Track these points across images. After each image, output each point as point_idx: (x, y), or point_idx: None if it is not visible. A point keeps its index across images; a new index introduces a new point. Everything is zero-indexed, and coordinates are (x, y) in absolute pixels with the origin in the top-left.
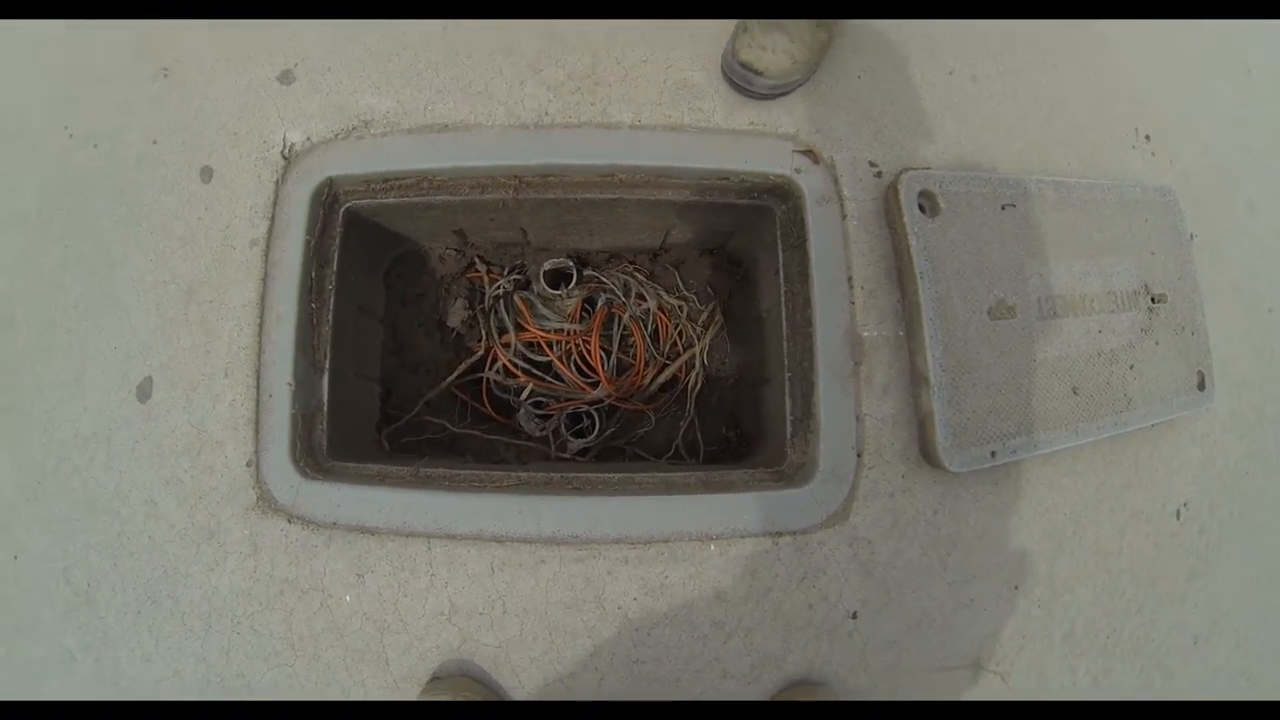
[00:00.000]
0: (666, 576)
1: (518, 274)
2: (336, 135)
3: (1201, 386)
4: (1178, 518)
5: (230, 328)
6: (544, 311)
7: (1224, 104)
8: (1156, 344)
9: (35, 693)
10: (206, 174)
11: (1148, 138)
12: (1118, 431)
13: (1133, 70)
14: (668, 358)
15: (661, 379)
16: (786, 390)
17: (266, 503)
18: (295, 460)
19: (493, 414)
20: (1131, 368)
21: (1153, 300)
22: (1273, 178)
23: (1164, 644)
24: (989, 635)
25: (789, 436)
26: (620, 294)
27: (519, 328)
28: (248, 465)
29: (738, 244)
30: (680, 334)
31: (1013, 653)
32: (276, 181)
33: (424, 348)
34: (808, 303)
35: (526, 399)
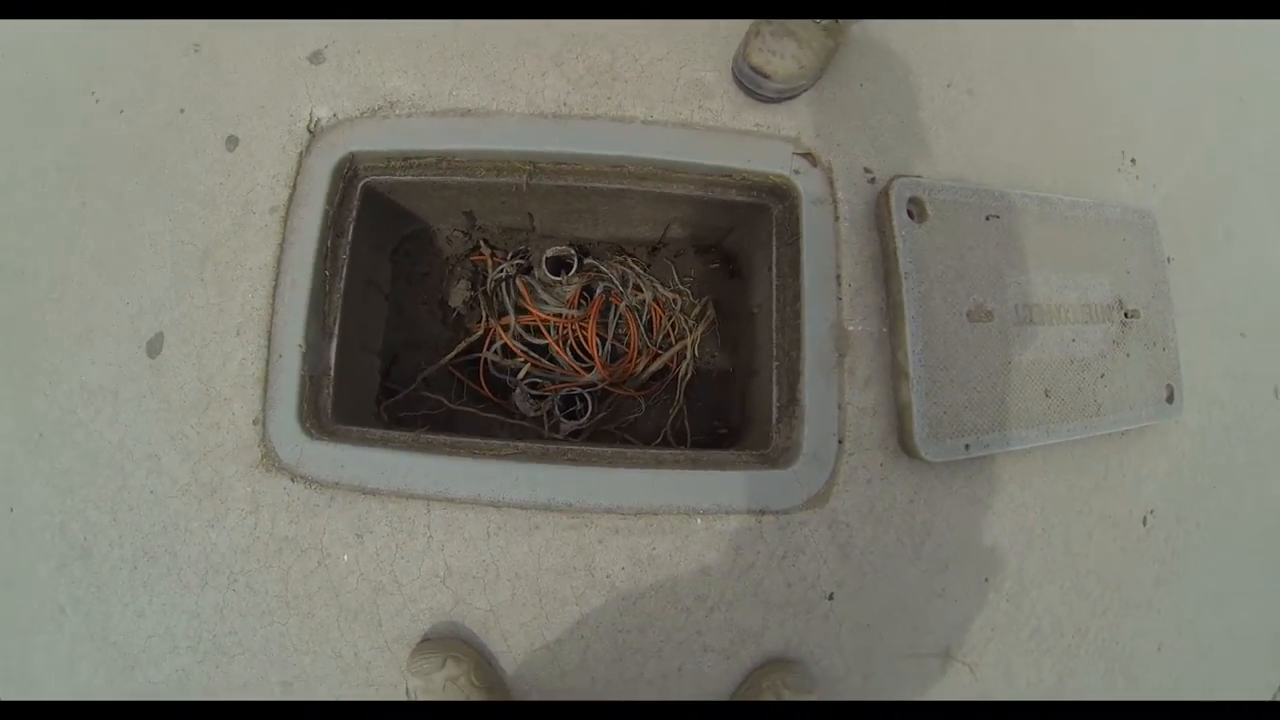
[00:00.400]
0: (654, 548)
1: (521, 259)
2: (362, 114)
3: (1170, 400)
4: (1144, 524)
5: (245, 289)
6: (544, 296)
7: (1212, 133)
8: (1128, 356)
9: (23, 647)
10: (232, 143)
11: (1133, 161)
12: (1088, 434)
13: (1124, 94)
14: (660, 347)
15: (654, 368)
16: (774, 378)
17: (270, 461)
18: (301, 420)
19: (489, 394)
20: (1102, 376)
21: (1126, 315)
22: (1253, 208)
23: (1129, 647)
24: (959, 625)
25: (775, 422)
26: (618, 284)
27: (519, 310)
28: (254, 423)
29: (734, 241)
30: (673, 326)
31: (981, 644)
32: (300, 153)
33: (425, 326)
34: (798, 296)
35: (523, 379)
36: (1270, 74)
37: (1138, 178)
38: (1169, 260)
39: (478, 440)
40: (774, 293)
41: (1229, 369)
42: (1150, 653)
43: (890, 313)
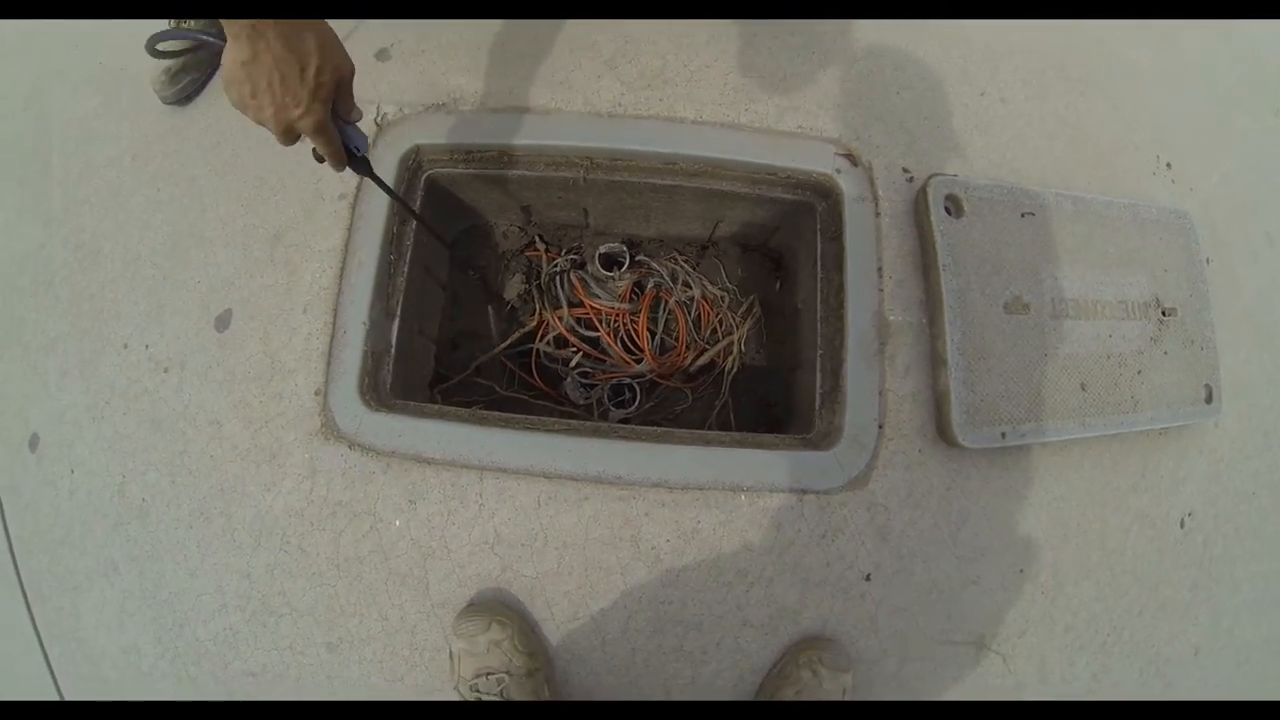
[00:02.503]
0: (699, 522)
1: (574, 254)
2: (426, 109)
3: (1209, 400)
4: (1182, 526)
5: (313, 269)
6: (596, 291)
7: (1250, 140)
8: (1165, 354)
9: (74, 604)
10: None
11: (1169, 165)
12: (1124, 430)
13: (1159, 101)
14: (708, 342)
15: (701, 361)
16: (818, 366)
17: (330, 429)
18: (362, 393)
19: (539, 383)
20: (1139, 372)
21: (1163, 313)
22: None
23: (1164, 651)
24: (993, 615)
25: (818, 407)
26: (668, 280)
27: (572, 303)
28: (316, 394)
29: (779, 240)
30: (720, 321)
31: (1015, 635)
32: (369, 145)
33: (481, 316)
34: (841, 288)
35: (574, 368)
36: None
37: (1173, 181)
38: (1207, 261)
39: (531, 417)
40: (818, 285)
41: (1269, 374)
42: (1187, 657)
43: (929, 304)
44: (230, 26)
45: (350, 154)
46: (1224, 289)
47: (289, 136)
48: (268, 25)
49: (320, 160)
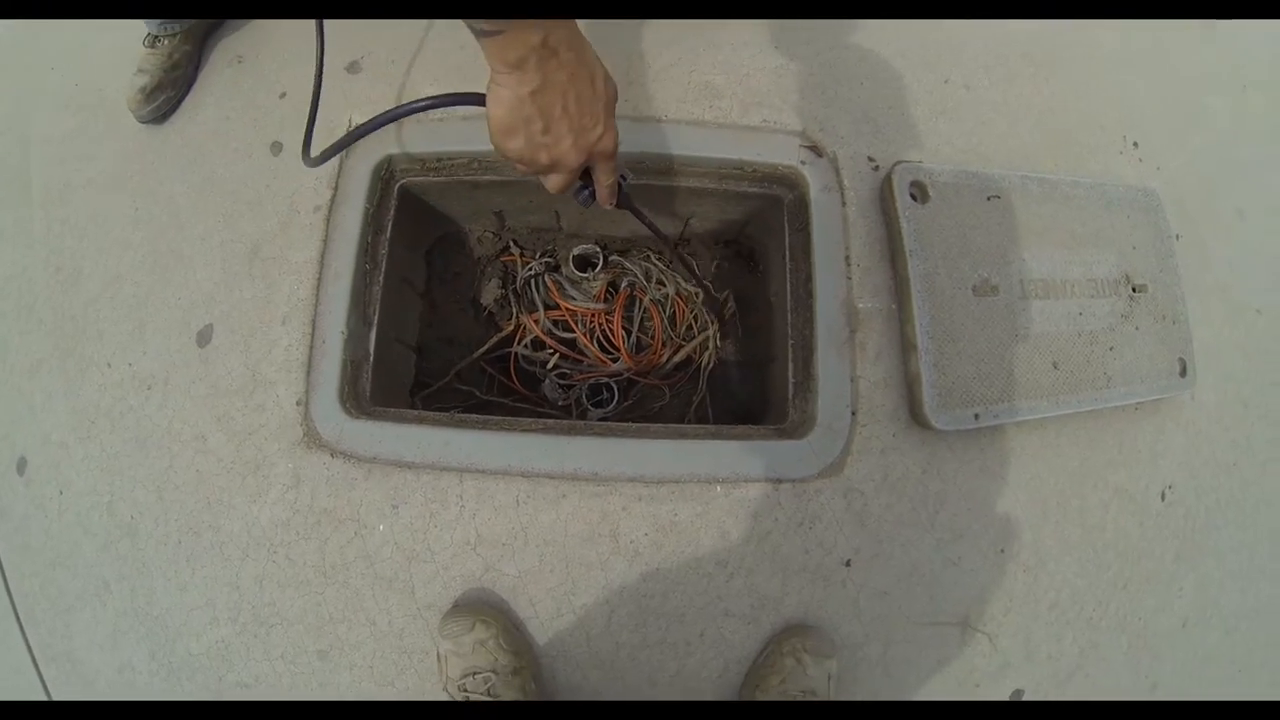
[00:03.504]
0: (676, 514)
1: (548, 257)
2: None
3: (1184, 373)
4: (1163, 499)
5: (291, 281)
6: (571, 293)
7: (1218, 117)
8: (1136, 329)
9: (67, 624)
10: (276, 148)
11: (1135, 144)
12: (1098, 406)
13: (1124, 81)
14: (683, 339)
15: (677, 358)
16: (790, 357)
17: (312, 439)
18: (342, 401)
19: (519, 386)
20: (1111, 349)
21: (1133, 290)
22: (1266, 187)
23: (1151, 624)
24: (976, 596)
25: (791, 397)
26: (642, 279)
27: (548, 306)
28: (297, 404)
29: (750, 234)
30: (695, 318)
31: (1000, 614)
32: (341, 156)
33: (458, 323)
34: (810, 278)
35: (552, 369)
36: (1274, 59)
37: (1140, 160)
38: (1177, 237)
39: (508, 418)
40: (788, 276)
41: (1242, 345)
42: (1175, 629)
43: (898, 289)
44: (505, 56)
45: (619, 184)
46: (1195, 264)
47: (578, 171)
48: (560, 35)
49: (585, 200)
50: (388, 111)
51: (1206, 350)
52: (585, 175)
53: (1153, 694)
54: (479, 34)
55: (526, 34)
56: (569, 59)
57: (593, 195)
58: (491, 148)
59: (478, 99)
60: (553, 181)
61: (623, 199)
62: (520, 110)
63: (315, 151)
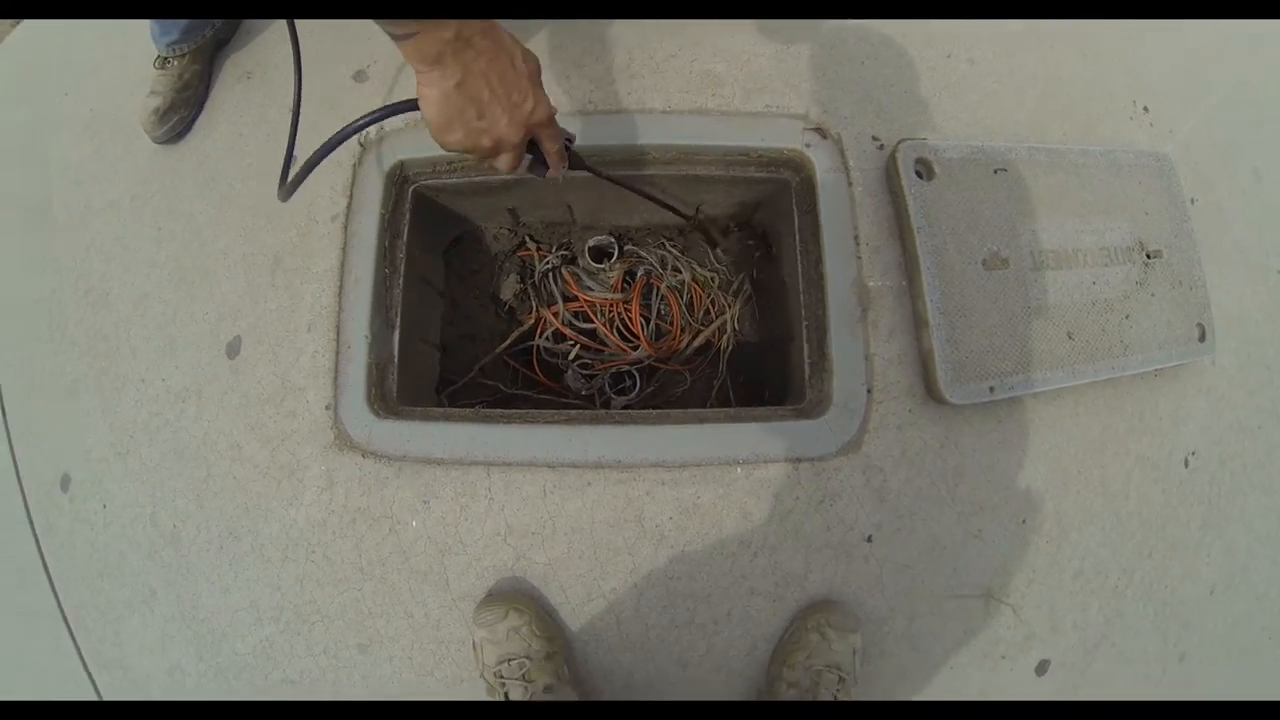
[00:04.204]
0: (699, 497)
1: (564, 250)
2: (406, 125)
3: (1203, 338)
4: (1186, 466)
5: (313, 290)
6: (589, 284)
7: (1229, 77)
8: (1152, 296)
9: (117, 632)
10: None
11: (1146, 109)
12: (1115, 374)
13: (1132, 47)
14: (702, 324)
15: (697, 343)
16: (804, 338)
17: (343, 441)
18: (370, 403)
19: (542, 378)
20: (1127, 317)
21: (1148, 256)
22: None
23: (1178, 591)
24: (999, 567)
25: (807, 377)
26: (658, 266)
27: (567, 297)
28: (327, 408)
29: (761, 218)
30: (713, 302)
31: (1023, 586)
32: (354, 165)
33: (479, 319)
34: (820, 259)
35: (574, 360)
36: None
37: (1151, 124)
38: (1192, 201)
39: (531, 411)
40: (799, 258)
41: (1264, 307)
42: (1202, 597)
43: (907, 266)
44: (422, 54)
45: (566, 148)
46: (1211, 227)
47: (522, 146)
48: (472, 28)
49: (540, 172)
50: (337, 134)
51: (1226, 314)
52: (534, 149)
53: (1181, 663)
54: (395, 38)
55: (439, 31)
56: (485, 45)
57: (545, 165)
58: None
59: (413, 104)
60: (503, 162)
61: (574, 160)
62: (450, 103)
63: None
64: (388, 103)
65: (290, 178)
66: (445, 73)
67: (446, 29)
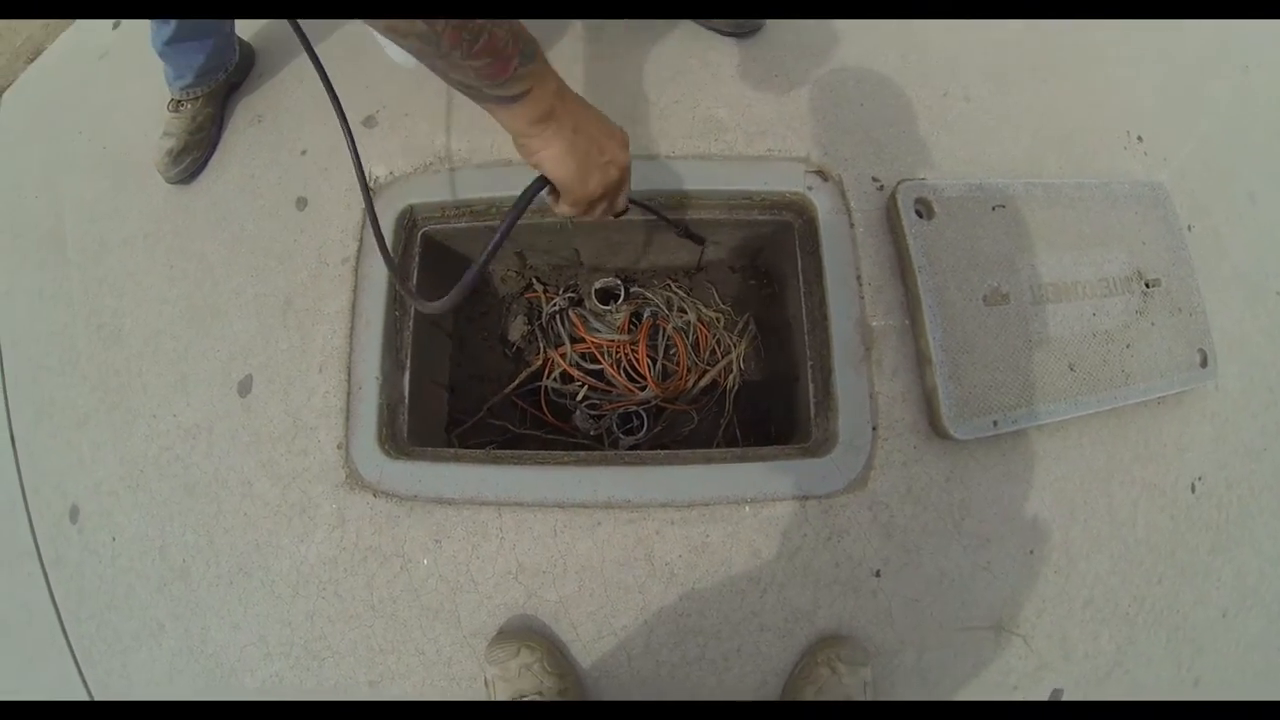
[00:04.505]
0: (707, 536)
1: (571, 292)
2: (415, 170)
3: (1204, 364)
4: (1192, 491)
5: (324, 331)
6: (596, 325)
7: (1221, 101)
8: (1152, 325)
9: (124, 665)
10: (301, 203)
11: (1139, 138)
12: (1119, 404)
13: (1123, 76)
14: (708, 363)
15: (703, 383)
16: (809, 377)
17: (354, 480)
18: (381, 443)
19: (550, 419)
20: (1128, 346)
21: (1146, 285)
22: (1276, 168)
23: (1190, 616)
24: (1008, 598)
25: (812, 416)
26: (664, 308)
27: (574, 339)
28: (338, 448)
29: (765, 259)
30: (718, 342)
31: (1033, 616)
32: (363, 209)
33: (487, 360)
34: (823, 300)
35: (582, 401)
36: (1273, 39)
37: (1146, 154)
38: (1189, 228)
39: (541, 452)
40: (802, 298)
41: (1266, 329)
42: (1215, 620)
43: (909, 305)
44: (535, 113)
45: None
46: (1209, 253)
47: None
48: (563, 90)
49: (618, 215)
50: (492, 242)
51: (1228, 338)
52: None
53: (1196, 688)
54: (499, 102)
55: (544, 86)
56: (573, 102)
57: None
58: (509, 193)
59: (542, 183)
60: (623, 198)
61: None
62: (578, 150)
63: (437, 300)
64: (522, 192)
65: (449, 296)
66: (560, 125)
67: (551, 80)
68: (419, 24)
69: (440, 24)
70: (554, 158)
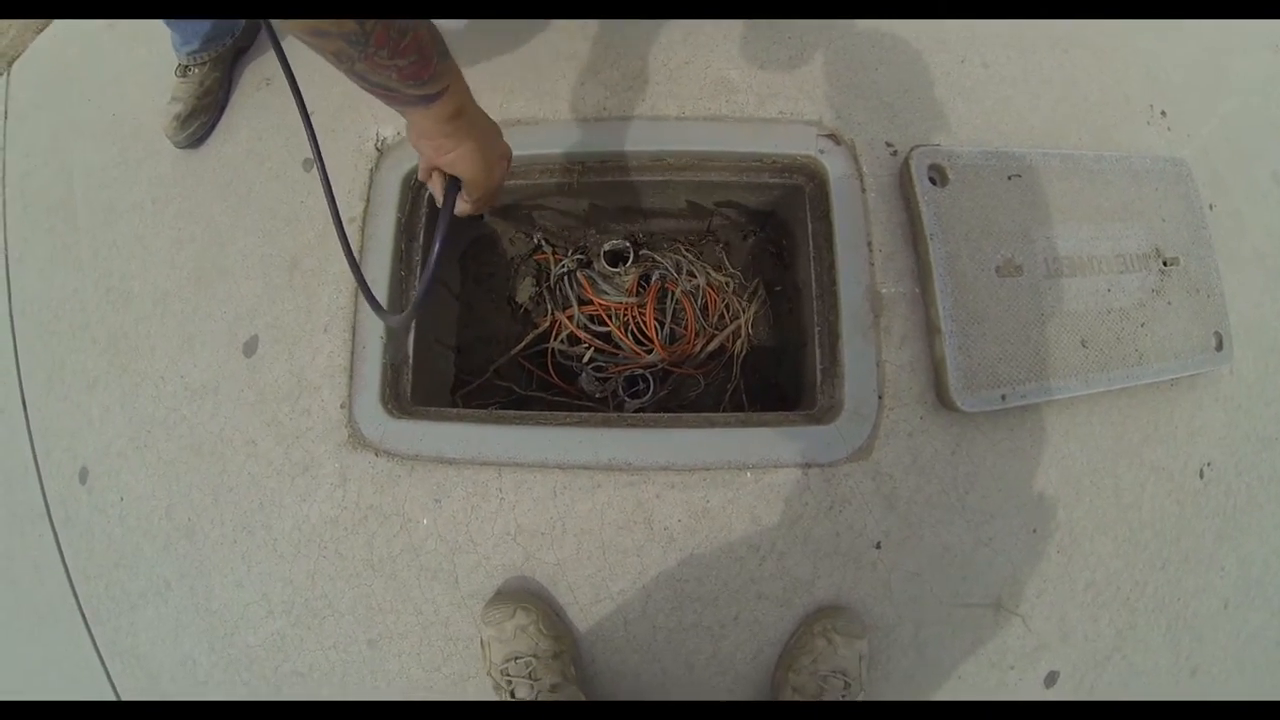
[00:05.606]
0: (708, 501)
1: (580, 254)
2: None
3: (1220, 347)
4: (1201, 477)
5: (330, 291)
6: (604, 287)
7: (1247, 80)
8: (1169, 304)
9: (131, 623)
10: (308, 165)
11: (1163, 114)
12: (1130, 383)
13: (1148, 49)
14: (716, 328)
15: (710, 347)
16: (816, 343)
17: (357, 439)
18: (384, 402)
19: (557, 380)
20: (1143, 325)
21: (1164, 263)
22: None
23: (1192, 604)
24: (1009, 576)
25: (818, 383)
26: (673, 271)
27: (581, 301)
28: (341, 407)
29: (776, 223)
30: (727, 306)
31: (1034, 596)
32: (371, 169)
33: (494, 321)
34: (833, 266)
35: (588, 363)
36: None
37: (1169, 129)
38: (1210, 207)
39: (543, 413)
40: (812, 264)
41: None
42: (1216, 610)
43: (920, 273)
44: (450, 110)
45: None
46: (1230, 233)
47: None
48: (466, 87)
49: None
50: (426, 269)
51: (1246, 322)
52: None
53: (1193, 677)
54: (417, 102)
55: (458, 83)
56: (476, 113)
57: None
58: (517, 152)
59: (456, 185)
60: (496, 193)
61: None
62: (485, 146)
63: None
64: (441, 208)
65: (406, 311)
66: (470, 122)
67: (460, 78)
68: (349, 23)
69: (370, 23)
70: (466, 155)
